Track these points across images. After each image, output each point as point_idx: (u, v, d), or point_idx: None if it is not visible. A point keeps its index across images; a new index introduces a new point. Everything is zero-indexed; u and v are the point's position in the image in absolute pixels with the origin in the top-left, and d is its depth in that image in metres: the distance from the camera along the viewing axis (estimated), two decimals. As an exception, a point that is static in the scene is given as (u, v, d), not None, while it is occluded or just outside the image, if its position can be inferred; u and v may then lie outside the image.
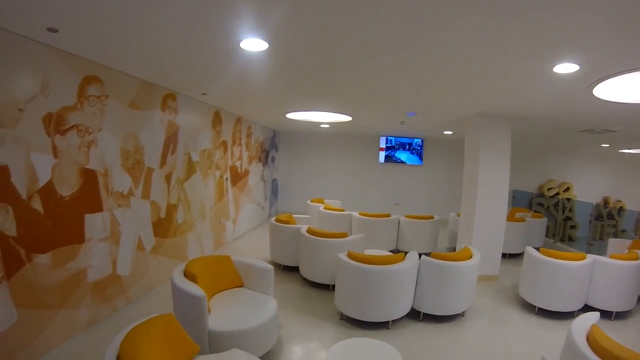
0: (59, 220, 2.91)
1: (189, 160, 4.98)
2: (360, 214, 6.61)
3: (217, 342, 2.61)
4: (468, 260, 3.91)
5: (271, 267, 3.36)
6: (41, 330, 2.79)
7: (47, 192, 2.79)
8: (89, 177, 3.21)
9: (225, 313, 2.85)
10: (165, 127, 4.36)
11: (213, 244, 5.95)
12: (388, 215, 6.50)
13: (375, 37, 2.31)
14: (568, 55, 2.44)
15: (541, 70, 2.78)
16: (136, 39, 2.56)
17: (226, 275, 3.39)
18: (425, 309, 3.86)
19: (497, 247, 5.31)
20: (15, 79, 2.51)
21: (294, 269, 5.21)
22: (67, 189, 2.97)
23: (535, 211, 8.85)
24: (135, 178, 3.85)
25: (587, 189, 10.44)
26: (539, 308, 4.23)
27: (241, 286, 3.43)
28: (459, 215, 6.37)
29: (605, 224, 9.21)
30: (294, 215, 6.00)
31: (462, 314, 4.06)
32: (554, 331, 3.81)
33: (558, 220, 9.38)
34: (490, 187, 5.18)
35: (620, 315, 4.24)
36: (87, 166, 3.18)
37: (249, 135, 7.62)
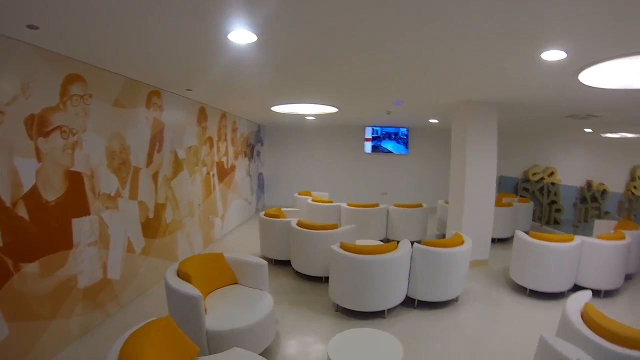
0: (45, 226, 2.80)
1: (175, 157, 4.88)
2: (349, 204, 6.61)
3: (215, 341, 2.58)
4: (460, 246, 3.97)
5: (265, 262, 3.34)
6: (34, 343, 2.69)
7: (32, 197, 2.67)
8: (75, 180, 3.10)
9: (222, 312, 2.81)
10: (150, 125, 4.25)
11: (202, 241, 5.87)
12: (377, 205, 6.52)
13: (366, 28, 2.28)
14: (555, 42, 2.46)
15: (529, 57, 2.79)
16: (119, 34, 2.45)
17: (220, 273, 3.35)
18: (420, 296, 3.90)
19: (486, 232, 5.41)
20: (-8, 80, 2.38)
21: (285, 263, 5.18)
22: (52, 193, 2.86)
23: (521, 196, 9.07)
24: (122, 178, 3.75)
25: (571, 173, 10.66)
26: (530, 290, 4.35)
27: (235, 283, 3.40)
28: (447, 203, 6.44)
29: (589, 206, 9.44)
30: (282, 209, 5.97)
31: (455, 300, 4.12)
32: (546, 311, 3.92)
33: (543, 204, 9.59)
34: (478, 173, 5.24)
35: (608, 294, 4.39)
36: (72, 168, 3.06)
37: (234, 130, 7.52)
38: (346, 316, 3.71)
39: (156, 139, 4.37)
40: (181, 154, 5.06)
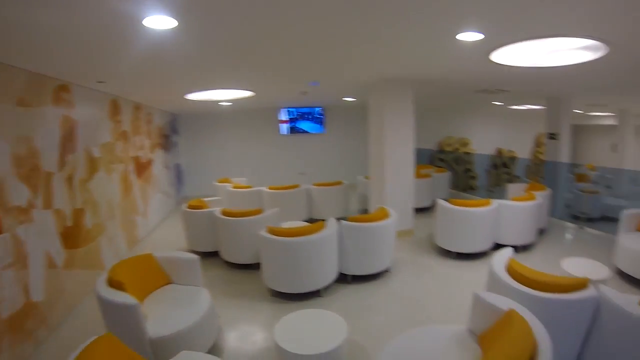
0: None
1: (90, 157, 4.43)
2: (269, 188, 6.58)
3: (161, 348, 2.47)
4: (386, 220, 4.15)
5: (196, 256, 3.23)
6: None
7: None
8: (-20, 196, 2.68)
9: (162, 315, 2.70)
10: (60, 124, 3.78)
11: (127, 243, 5.47)
12: (297, 186, 6.57)
13: (277, 12, 2.21)
14: (471, 24, 2.56)
15: (444, 37, 2.87)
16: (16, 21, 2.10)
17: (152, 275, 3.20)
18: (352, 270, 4.03)
19: (409, 203, 5.67)
20: None
21: (213, 254, 5.04)
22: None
23: (437, 166, 9.40)
24: (34, 187, 3.32)
25: (483, 142, 11.31)
26: (456, 253, 4.74)
27: (169, 283, 3.27)
28: (367, 178, 6.67)
29: (501, 172, 10.40)
30: (204, 199, 5.80)
31: (387, 270, 4.33)
32: (473, 271, 4.33)
33: (459, 172, 10.14)
34: (396, 147, 5.42)
35: (525, 248, 4.97)
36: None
37: (149, 122, 6.99)
38: (283, 300, 3.74)
39: (68, 139, 3.91)
40: (96, 153, 4.60)
